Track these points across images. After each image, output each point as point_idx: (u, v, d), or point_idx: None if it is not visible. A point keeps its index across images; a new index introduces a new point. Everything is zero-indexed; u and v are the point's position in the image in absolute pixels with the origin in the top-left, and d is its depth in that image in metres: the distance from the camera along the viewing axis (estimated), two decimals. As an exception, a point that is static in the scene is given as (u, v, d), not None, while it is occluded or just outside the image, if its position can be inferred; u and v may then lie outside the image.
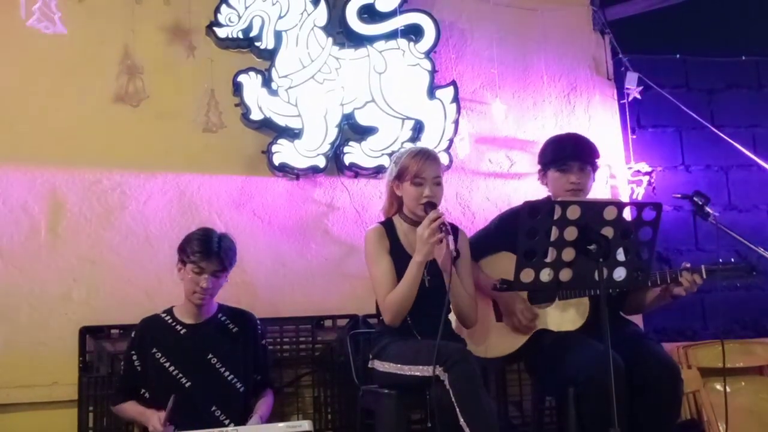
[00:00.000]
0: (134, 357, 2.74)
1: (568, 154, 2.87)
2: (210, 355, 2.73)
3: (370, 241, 2.71)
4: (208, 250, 2.67)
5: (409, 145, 3.46)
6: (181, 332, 2.76)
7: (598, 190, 3.17)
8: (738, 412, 3.41)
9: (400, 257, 2.66)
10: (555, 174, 2.89)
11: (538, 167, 3.00)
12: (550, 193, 2.98)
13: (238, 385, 2.73)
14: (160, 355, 2.71)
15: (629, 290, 2.81)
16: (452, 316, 2.79)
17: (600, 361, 2.24)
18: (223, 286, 2.79)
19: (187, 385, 2.68)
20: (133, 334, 2.80)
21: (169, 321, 2.78)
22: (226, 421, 2.64)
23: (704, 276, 2.61)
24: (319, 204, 3.54)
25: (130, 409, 2.72)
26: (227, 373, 2.73)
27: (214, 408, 2.67)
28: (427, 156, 2.69)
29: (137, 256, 3.26)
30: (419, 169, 2.64)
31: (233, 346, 2.78)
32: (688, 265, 2.64)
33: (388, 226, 2.75)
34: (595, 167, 2.93)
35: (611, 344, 2.19)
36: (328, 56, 3.51)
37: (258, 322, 2.90)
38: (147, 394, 2.71)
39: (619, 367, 2.41)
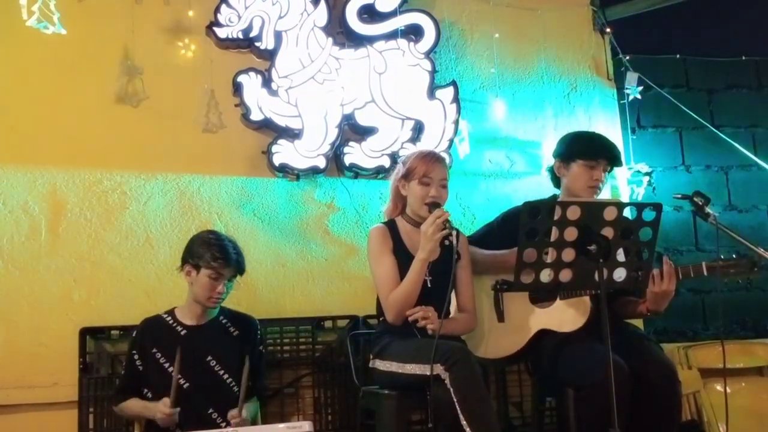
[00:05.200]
0: (135, 357, 2.73)
1: (600, 151, 2.86)
2: (209, 357, 2.72)
3: (373, 239, 2.73)
4: (228, 257, 2.68)
5: (409, 146, 3.49)
6: (182, 333, 2.76)
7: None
8: (738, 412, 3.40)
9: (402, 258, 2.67)
10: (580, 168, 2.86)
11: (558, 158, 2.95)
12: (562, 187, 2.96)
13: (235, 388, 2.72)
14: (159, 355, 2.71)
15: (620, 293, 2.81)
16: (453, 315, 2.80)
17: (602, 366, 2.23)
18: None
19: (186, 386, 2.67)
20: (134, 334, 2.80)
21: (170, 322, 2.78)
22: (222, 424, 2.63)
23: (705, 273, 2.60)
24: (319, 204, 3.54)
25: (134, 405, 2.71)
26: (225, 376, 2.73)
27: (211, 410, 2.67)
28: (436, 158, 2.75)
29: (138, 257, 3.26)
30: (428, 170, 2.68)
31: (233, 349, 2.77)
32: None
33: (391, 226, 2.77)
34: (612, 170, 2.93)
35: (611, 345, 2.19)
36: (328, 56, 3.51)
37: (258, 327, 2.91)
38: (149, 394, 2.70)
39: (623, 371, 2.41)
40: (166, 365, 2.70)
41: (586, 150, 2.87)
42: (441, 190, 2.68)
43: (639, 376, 2.51)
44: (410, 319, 2.56)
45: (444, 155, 2.86)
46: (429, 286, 2.63)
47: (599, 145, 2.91)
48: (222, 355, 2.74)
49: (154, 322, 2.80)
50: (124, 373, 2.79)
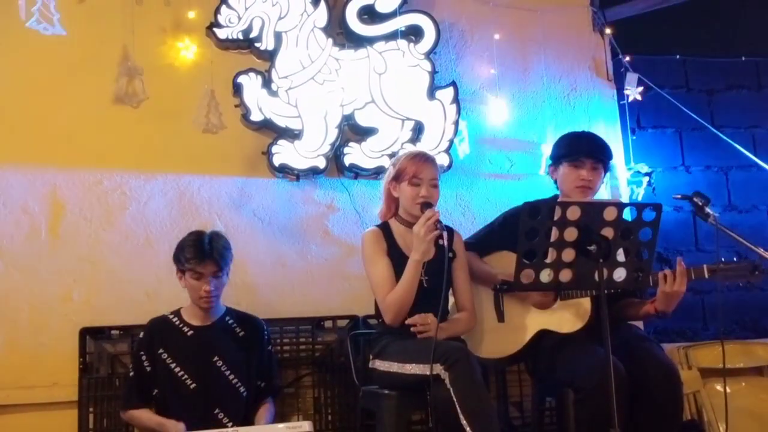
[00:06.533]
0: (143, 357, 2.73)
1: (583, 150, 2.87)
2: (215, 358, 2.72)
3: (367, 243, 2.74)
4: (201, 254, 2.66)
5: (409, 146, 3.48)
6: (188, 333, 2.76)
7: (598, 190, 3.21)
8: (738, 412, 3.41)
9: (397, 259, 2.68)
10: (566, 169, 2.88)
11: (550, 162, 2.99)
12: (559, 191, 2.98)
13: (242, 389, 2.73)
14: (166, 355, 2.71)
15: (623, 295, 2.80)
16: (453, 316, 2.80)
17: (601, 369, 2.24)
18: (226, 285, 2.78)
19: (192, 386, 2.68)
20: (141, 335, 2.80)
21: (177, 322, 2.78)
22: (229, 424, 2.63)
23: (706, 276, 2.61)
24: (319, 205, 3.54)
25: (146, 418, 2.68)
26: (231, 376, 2.73)
27: (217, 410, 2.67)
28: (425, 158, 2.75)
29: (137, 257, 3.27)
30: (417, 170, 2.69)
31: (239, 350, 2.78)
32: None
33: (384, 228, 2.78)
34: (606, 167, 2.93)
35: (611, 346, 2.18)
36: (328, 57, 3.51)
37: (265, 327, 2.91)
38: (159, 394, 2.70)
39: (621, 374, 2.40)
40: (173, 365, 2.70)
41: (568, 150, 2.90)
42: (432, 190, 2.69)
43: (640, 378, 2.51)
44: (412, 329, 2.58)
45: (433, 156, 2.85)
46: (426, 286, 2.64)
47: (581, 143, 2.91)
48: (228, 355, 2.75)
49: (161, 323, 2.79)
50: (132, 374, 2.76)
